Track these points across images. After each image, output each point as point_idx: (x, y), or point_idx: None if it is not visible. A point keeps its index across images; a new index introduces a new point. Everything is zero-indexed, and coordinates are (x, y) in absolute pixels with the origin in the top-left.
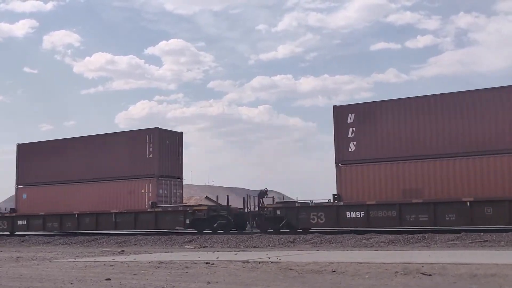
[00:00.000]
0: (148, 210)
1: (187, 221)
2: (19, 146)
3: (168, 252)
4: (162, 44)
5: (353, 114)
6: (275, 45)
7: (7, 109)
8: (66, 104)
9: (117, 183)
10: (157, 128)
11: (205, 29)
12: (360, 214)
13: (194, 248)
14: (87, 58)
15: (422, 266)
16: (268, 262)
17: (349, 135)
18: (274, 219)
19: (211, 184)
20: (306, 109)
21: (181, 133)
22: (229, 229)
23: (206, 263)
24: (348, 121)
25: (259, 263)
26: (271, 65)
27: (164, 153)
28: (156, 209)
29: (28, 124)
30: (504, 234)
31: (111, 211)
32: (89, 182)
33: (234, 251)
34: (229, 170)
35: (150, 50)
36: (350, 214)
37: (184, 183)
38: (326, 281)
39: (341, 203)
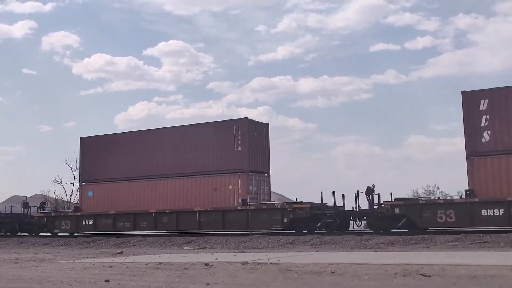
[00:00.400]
0: (238, 208)
1: (285, 221)
2: (83, 140)
3: (167, 253)
4: (161, 45)
5: (487, 100)
6: (275, 46)
7: (6, 110)
8: (65, 105)
9: (200, 178)
10: (246, 118)
11: (205, 30)
12: (499, 211)
13: (193, 249)
14: (86, 59)
15: (422, 267)
16: (267, 263)
17: (482, 124)
18: (392, 218)
19: None
20: (306, 110)
21: (267, 125)
22: (334, 229)
23: (205, 264)
24: (481, 108)
25: (258, 264)
26: (271, 66)
27: (253, 146)
28: (249, 207)
29: (27, 125)
30: (504, 235)
31: (195, 209)
32: (167, 178)
33: (233, 252)
34: None
35: (149, 51)
36: (487, 212)
37: None
38: (325, 282)
39: (475, 200)
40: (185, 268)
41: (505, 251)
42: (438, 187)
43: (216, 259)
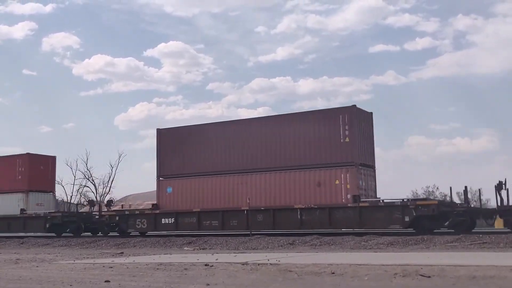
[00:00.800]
0: (349, 205)
1: (406, 219)
2: (160, 132)
3: (167, 254)
4: (161, 46)
5: None
6: (274, 47)
7: (6, 111)
8: (65, 106)
9: (300, 172)
10: (354, 106)
11: (204, 31)
12: None
13: (193, 250)
14: (86, 60)
15: (421, 268)
16: (267, 264)
17: None
18: None
19: None
20: (305, 110)
21: (371, 114)
22: (463, 228)
23: (205, 265)
24: None
25: (258, 265)
26: (270, 67)
27: (361, 137)
28: (361, 204)
29: (27, 126)
30: (503, 235)
31: (295, 206)
32: (262, 172)
33: (234, 253)
34: None
35: (149, 52)
36: None
37: None
38: (325, 283)
39: None
40: (185, 269)
41: (504, 252)
42: (437, 188)
43: (216, 259)
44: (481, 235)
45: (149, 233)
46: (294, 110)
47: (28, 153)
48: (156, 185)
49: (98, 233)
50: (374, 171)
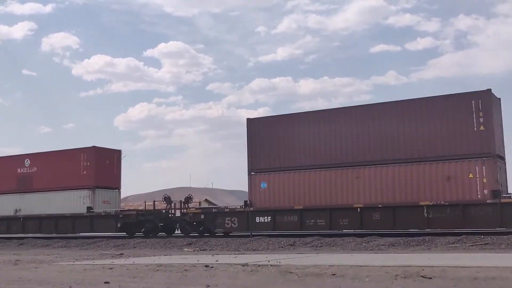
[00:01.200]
0: (487, 201)
1: None
2: (251, 122)
3: (167, 255)
4: (161, 46)
5: None
6: (275, 48)
7: (6, 111)
8: (65, 107)
9: (425, 165)
10: (489, 90)
11: (204, 32)
12: None
13: (194, 251)
14: (86, 60)
15: (423, 269)
16: (267, 265)
17: None
18: None
19: (211, 187)
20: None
21: (499, 100)
22: None
23: (206, 266)
24: None
25: (259, 266)
26: (270, 67)
27: (497, 125)
28: (503, 200)
29: (27, 127)
30: (505, 236)
31: (421, 203)
32: (377, 166)
33: (234, 254)
34: (228, 173)
35: (149, 52)
36: None
37: (182, 185)
38: (326, 284)
39: None
40: (185, 270)
41: (506, 253)
42: None
43: (217, 261)
44: (482, 236)
45: (235, 233)
46: (295, 111)
47: (94, 146)
48: (248, 180)
49: (174, 233)
50: (505, 163)
